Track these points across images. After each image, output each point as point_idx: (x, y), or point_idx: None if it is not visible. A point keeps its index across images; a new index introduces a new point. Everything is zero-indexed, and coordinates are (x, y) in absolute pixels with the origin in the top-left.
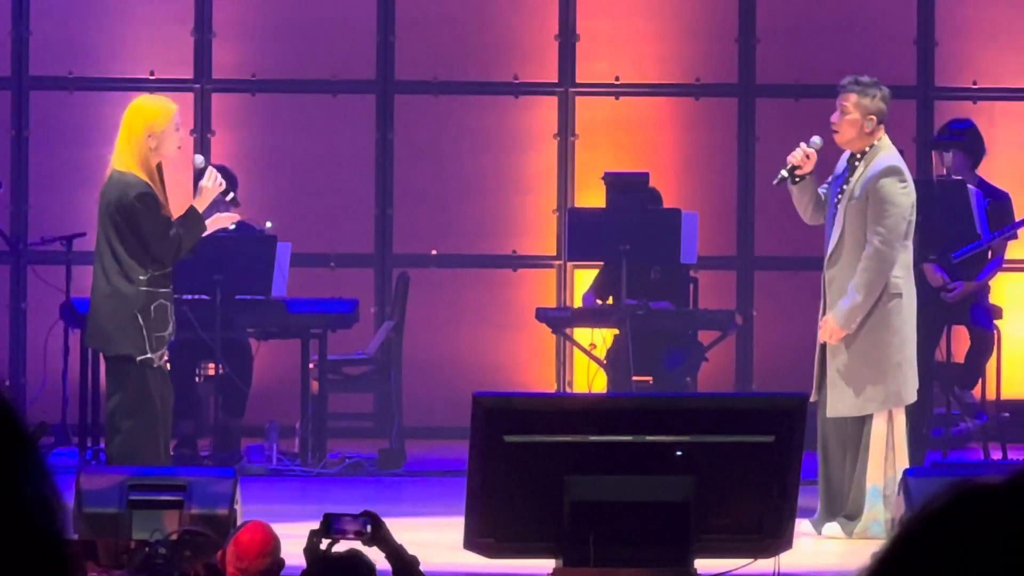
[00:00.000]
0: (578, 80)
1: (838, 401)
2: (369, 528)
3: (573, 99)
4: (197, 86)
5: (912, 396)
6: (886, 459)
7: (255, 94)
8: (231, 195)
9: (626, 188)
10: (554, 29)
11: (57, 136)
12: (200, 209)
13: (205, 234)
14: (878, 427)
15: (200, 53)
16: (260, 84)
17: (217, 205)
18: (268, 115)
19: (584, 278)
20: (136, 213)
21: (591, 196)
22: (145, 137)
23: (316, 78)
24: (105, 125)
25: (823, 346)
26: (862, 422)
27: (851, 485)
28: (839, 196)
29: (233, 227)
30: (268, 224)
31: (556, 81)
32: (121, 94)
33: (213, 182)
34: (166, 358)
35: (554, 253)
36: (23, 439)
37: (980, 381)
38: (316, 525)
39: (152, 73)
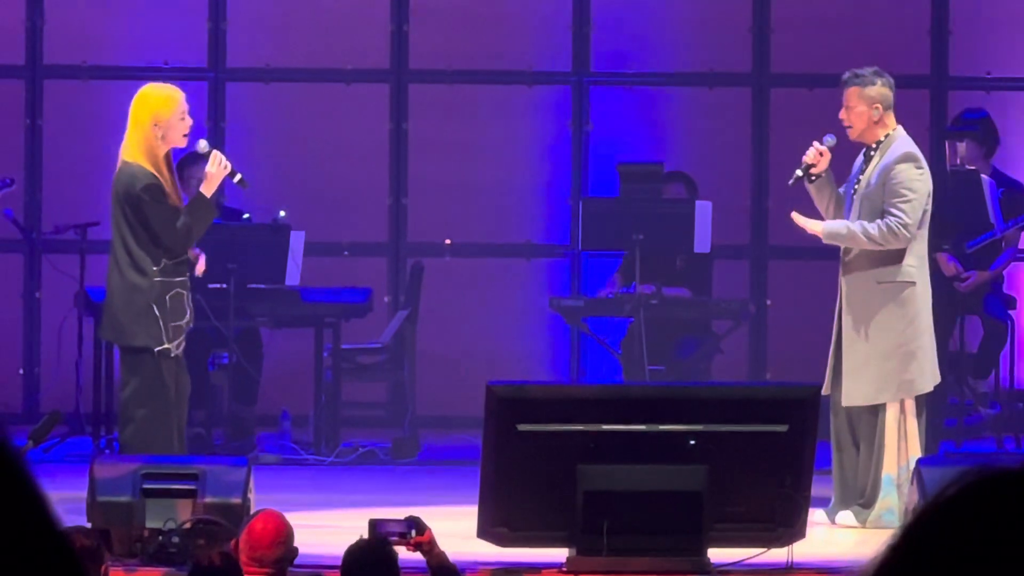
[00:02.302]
0: (592, 69)
1: (853, 390)
2: (414, 532)
3: (587, 88)
4: (211, 75)
5: (928, 385)
6: (899, 449)
7: (269, 83)
8: (238, 176)
9: (641, 177)
10: (568, 18)
11: (71, 125)
12: (208, 194)
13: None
14: (891, 417)
15: (214, 42)
16: (274, 73)
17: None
18: (282, 104)
19: (598, 268)
20: (143, 205)
21: (605, 185)
22: (151, 127)
23: (330, 67)
24: (119, 114)
25: (838, 337)
26: (875, 412)
27: (864, 474)
28: (855, 187)
29: (247, 216)
30: (282, 213)
31: (570, 70)
32: (135, 83)
33: (218, 166)
34: (183, 345)
35: (568, 242)
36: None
37: (994, 371)
38: (328, 514)
39: (166, 62)
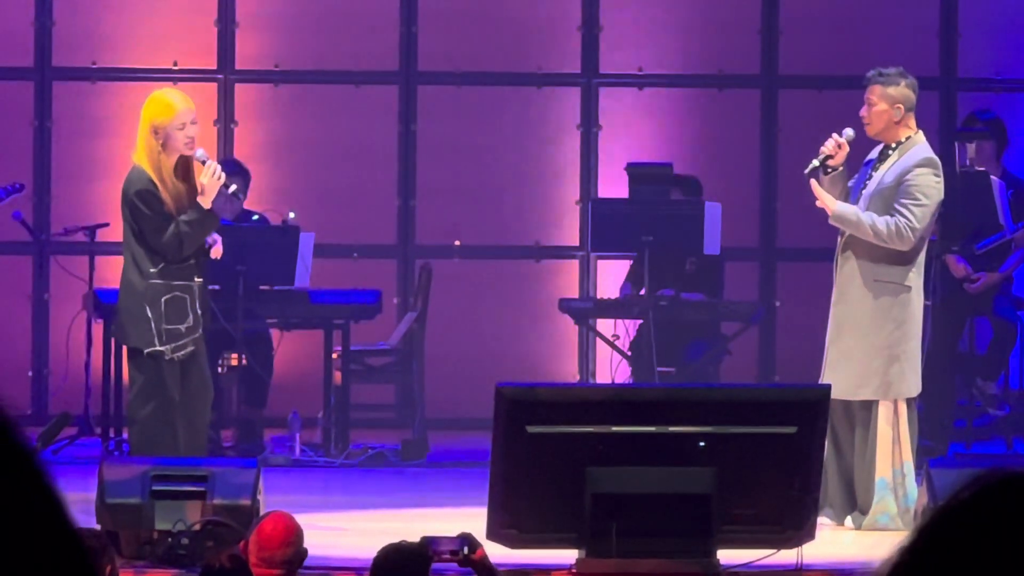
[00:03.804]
0: (601, 71)
1: (833, 382)
2: (466, 549)
3: (596, 90)
4: (220, 77)
5: (910, 391)
6: (893, 452)
7: (278, 85)
8: (232, 187)
9: (650, 179)
10: (577, 20)
11: (80, 127)
12: (206, 205)
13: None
14: (883, 420)
15: (223, 44)
16: (283, 75)
17: (219, 199)
18: (291, 106)
19: (607, 269)
20: (135, 209)
21: (614, 187)
22: (150, 132)
23: (339, 69)
24: (128, 116)
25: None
26: (868, 414)
27: (861, 479)
28: (865, 182)
29: (257, 218)
30: (291, 214)
31: (579, 72)
32: (144, 85)
33: (211, 177)
34: (188, 350)
35: (577, 244)
36: (21, 451)
37: (1003, 372)
38: (338, 516)
39: (175, 64)
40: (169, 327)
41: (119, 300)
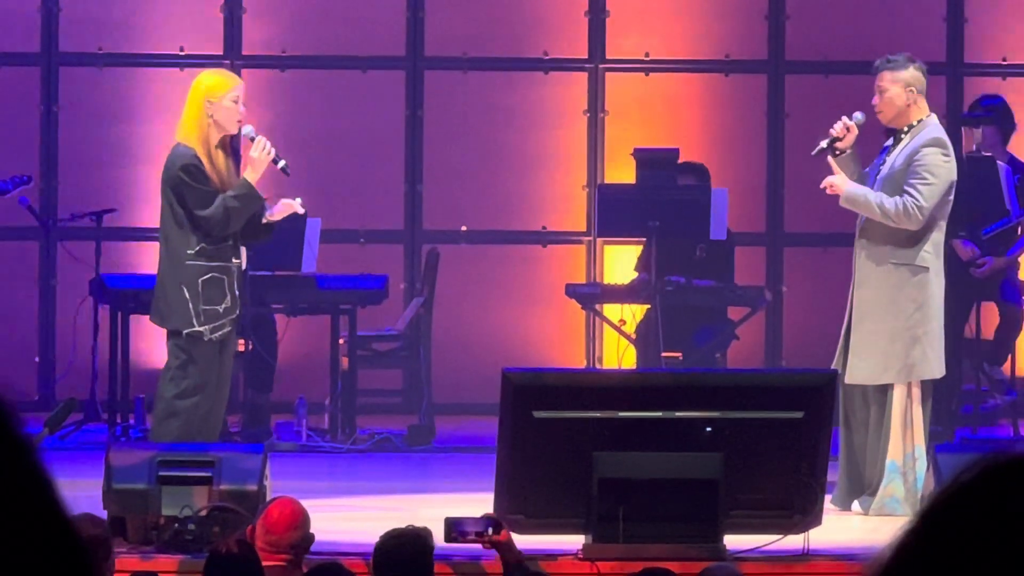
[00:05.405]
0: (608, 56)
1: (857, 368)
2: (491, 531)
3: (603, 75)
4: (227, 62)
5: (933, 372)
6: (904, 436)
7: (285, 70)
8: (282, 162)
9: (657, 164)
10: (584, 5)
11: (87, 112)
12: (253, 180)
13: (274, 218)
14: (898, 403)
15: (230, 29)
16: (290, 60)
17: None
18: (298, 91)
19: (613, 254)
20: (180, 184)
21: (621, 172)
22: (203, 108)
23: (346, 54)
24: (135, 101)
25: (850, 315)
26: (884, 396)
27: (872, 462)
28: (880, 168)
29: (264, 204)
30: (297, 200)
31: (586, 57)
32: (151, 70)
33: (261, 151)
34: (226, 330)
35: (584, 229)
36: (17, 440)
37: (1009, 357)
38: (345, 501)
39: (182, 49)
40: (207, 308)
41: (158, 282)
